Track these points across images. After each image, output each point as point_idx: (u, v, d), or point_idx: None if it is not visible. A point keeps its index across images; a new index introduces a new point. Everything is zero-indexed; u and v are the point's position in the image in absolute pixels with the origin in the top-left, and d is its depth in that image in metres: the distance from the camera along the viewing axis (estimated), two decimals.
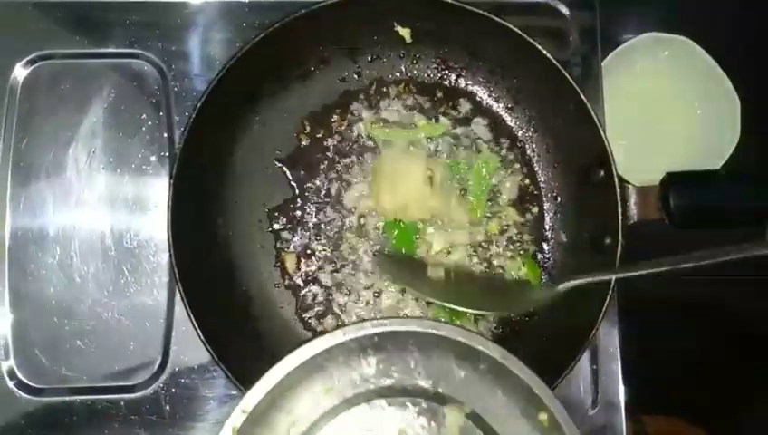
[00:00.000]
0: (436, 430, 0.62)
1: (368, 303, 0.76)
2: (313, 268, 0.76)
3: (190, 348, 0.74)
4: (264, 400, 0.57)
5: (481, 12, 0.71)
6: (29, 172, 0.77)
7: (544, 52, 0.71)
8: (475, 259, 0.77)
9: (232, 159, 0.76)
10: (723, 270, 0.61)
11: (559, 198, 0.78)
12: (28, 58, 0.78)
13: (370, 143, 0.79)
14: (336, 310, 0.76)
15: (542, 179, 0.79)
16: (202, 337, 0.67)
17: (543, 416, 0.58)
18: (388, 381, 0.62)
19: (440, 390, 0.62)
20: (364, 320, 0.62)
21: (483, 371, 0.60)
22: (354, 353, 0.60)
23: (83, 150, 0.78)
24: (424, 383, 0.62)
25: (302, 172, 0.78)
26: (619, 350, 0.76)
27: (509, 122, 0.80)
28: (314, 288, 0.76)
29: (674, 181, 0.70)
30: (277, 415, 0.60)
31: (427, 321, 0.60)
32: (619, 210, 0.68)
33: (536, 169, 0.79)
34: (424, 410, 0.63)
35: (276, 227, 0.77)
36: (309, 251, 0.77)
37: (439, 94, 0.80)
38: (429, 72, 0.80)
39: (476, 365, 0.60)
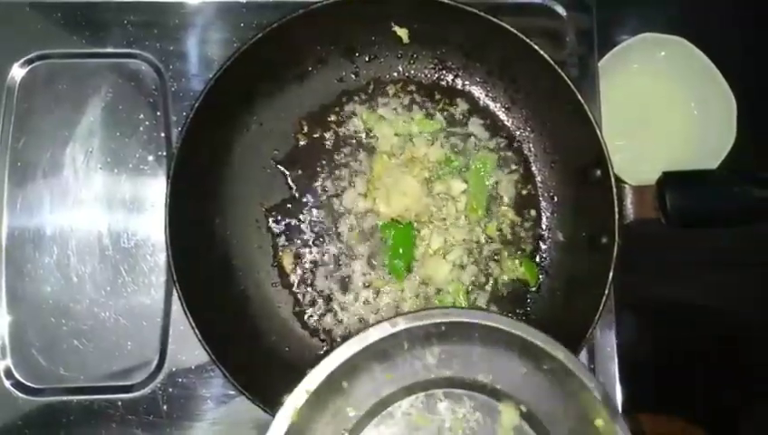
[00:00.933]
0: (490, 425, 0.62)
1: (367, 301, 0.76)
2: (311, 267, 0.77)
3: (187, 348, 0.73)
4: (325, 381, 0.57)
5: (478, 12, 0.71)
6: (26, 172, 0.77)
7: (541, 52, 0.71)
8: (473, 259, 0.77)
9: (229, 158, 0.76)
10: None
11: (556, 198, 0.78)
12: (26, 58, 0.78)
13: (368, 143, 0.79)
14: (335, 308, 0.76)
15: (539, 179, 0.79)
16: (199, 336, 0.67)
17: (600, 422, 0.57)
18: (447, 373, 0.61)
19: (498, 386, 0.61)
20: (432, 307, 0.61)
21: (545, 371, 0.59)
22: (419, 341, 0.60)
23: (81, 150, 0.78)
24: (483, 378, 0.61)
25: (300, 172, 0.78)
26: (615, 350, 0.76)
27: (506, 122, 0.80)
28: (312, 287, 0.76)
29: (670, 181, 0.71)
30: (337, 398, 0.60)
31: (496, 315, 0.59)
32: (616, 210, 0.68)
33: (533, 168, 0.79)
34: (480, 405, 0.62)
35: (274, 226, 0.77)
36: (306, 250, 0.77)
37: (437, 94, 0.80)
38: (427, 72, 0.80)
39: (539, 364, 0.59)
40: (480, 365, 0.61)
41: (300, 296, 0.76)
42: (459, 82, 0.80)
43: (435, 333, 0.59)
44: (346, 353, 0.57)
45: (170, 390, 0.74)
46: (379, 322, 0.58)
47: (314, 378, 0.57)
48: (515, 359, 0.60)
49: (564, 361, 0.57)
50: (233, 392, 0.73)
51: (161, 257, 0.76)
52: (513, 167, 0.79)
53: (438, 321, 0.58)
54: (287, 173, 0.78)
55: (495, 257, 0.77)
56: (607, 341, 0.76)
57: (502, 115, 0.80)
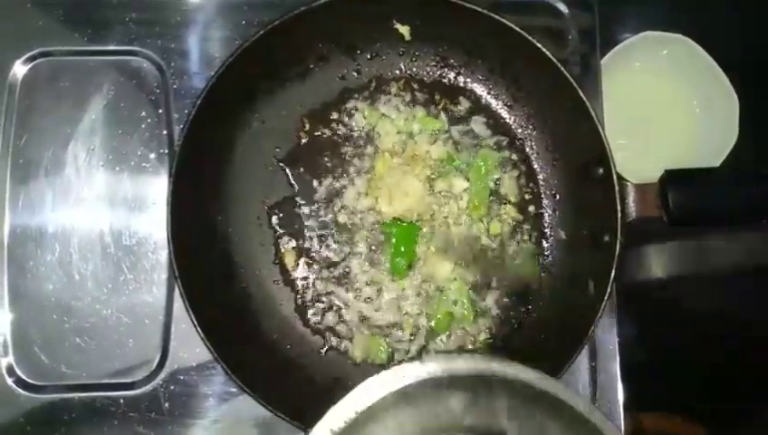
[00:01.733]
0: None
1: (369, 299, 0.76)
2: (313, 265, 0.76)
3: (189, 345, 0.74)
4: (349, 421, 0.55)
5: (480, 10, 0.71)
6: (28, 170, 0.77)
7: (544, 50, 0.71)
8: (474, 257, 0.77)
9: (231, 156, 0.76)
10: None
11: (558, 196, 0.78)
12: (28, 55, 0.78)
13: (370, 141, 0.79)
14: (336, 306, 0.76)
15: (541, 177, 0.79)
16: (201, 334, 0.67)
17: None
18: (470, 420, 0.59)
19: None
20: (462, 352, 0.60)
21: (576, 428, 0.56)
22: (443, 386, 0.57)
23: (83, 148, 0.78)
24: (509, 429, 0.58)
25: (302, 170, 0.78)
26: (617, 348, 0.76)
27: (508, 120, 0.80)
28: (314, 285, 0.76)
29: (672, 179, 0.71)
30: None
31: (532, 372, 0.56)
32: (618, 207, 0.68)
33: (535, 166, 0.79)
34: None
35: (276, 224, 0.77)
36: (308, 248, 0.77)
37: (438, 92, 0.80)
38: (429, 69, 0.80)
39: (570, 424, 0.56)
40: (504, 415, 0.58)
41: (301, 294, 0.76)
42: (461, 79, 0.80)
43: (458, 379, 0.57)
44: (369, 399, 0.55)
45: (172, 387, 0.74)
46: (411, 360, 0.56)
47: (337, 417, 0.55)
48: (546, 416, 0.57)
49: (597, 423, 0.55)
50: (234, 390, 0.73)
51: (163, 255, 0.76)
52: (515, 165, 0.79)
53: (464, 368, 0.55)
54: (289, 171, 0.78)
55: (497, 255, 0.77)
56: (608, 339, 0.76)
57: (504, 113, 0.80)
